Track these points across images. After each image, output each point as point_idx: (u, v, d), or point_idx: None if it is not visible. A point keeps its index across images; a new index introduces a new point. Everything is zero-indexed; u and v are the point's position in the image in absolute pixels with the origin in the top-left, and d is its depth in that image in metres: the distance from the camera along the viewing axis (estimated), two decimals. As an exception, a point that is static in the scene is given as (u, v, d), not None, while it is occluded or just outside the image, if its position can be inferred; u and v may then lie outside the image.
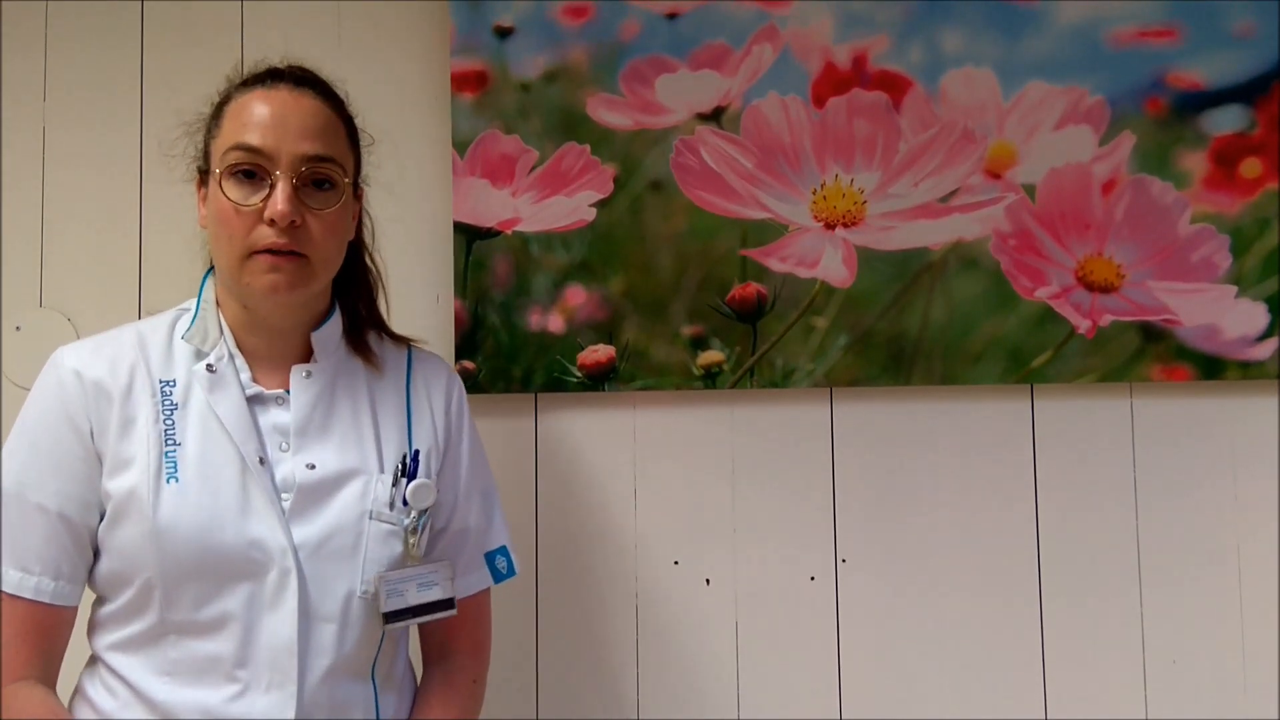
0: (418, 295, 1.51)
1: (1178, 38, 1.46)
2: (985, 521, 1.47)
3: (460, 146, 1.48)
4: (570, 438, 1.49)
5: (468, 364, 1.47)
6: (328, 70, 1.12)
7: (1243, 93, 1.45)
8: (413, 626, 1.19)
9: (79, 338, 1.52)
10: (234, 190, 1.08)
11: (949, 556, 1.47)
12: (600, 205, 1.48)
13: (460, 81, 1.49)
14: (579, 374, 1.47)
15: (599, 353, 1.47)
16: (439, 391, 1.22)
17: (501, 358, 1.48)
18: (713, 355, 1.47)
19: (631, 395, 1.49)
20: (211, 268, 1.17)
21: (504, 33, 1.49)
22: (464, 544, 1.21)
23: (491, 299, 1.48)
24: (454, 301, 1.48)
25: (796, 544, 1.47)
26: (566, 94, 1.49)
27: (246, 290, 1.10)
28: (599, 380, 1.47)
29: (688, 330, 1.47)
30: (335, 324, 1.18)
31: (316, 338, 1.15)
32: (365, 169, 1.20)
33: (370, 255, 1.24)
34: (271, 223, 1.07)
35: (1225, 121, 1.45)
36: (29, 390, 1.52)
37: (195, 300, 1.16)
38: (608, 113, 1.48)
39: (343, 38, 1.55)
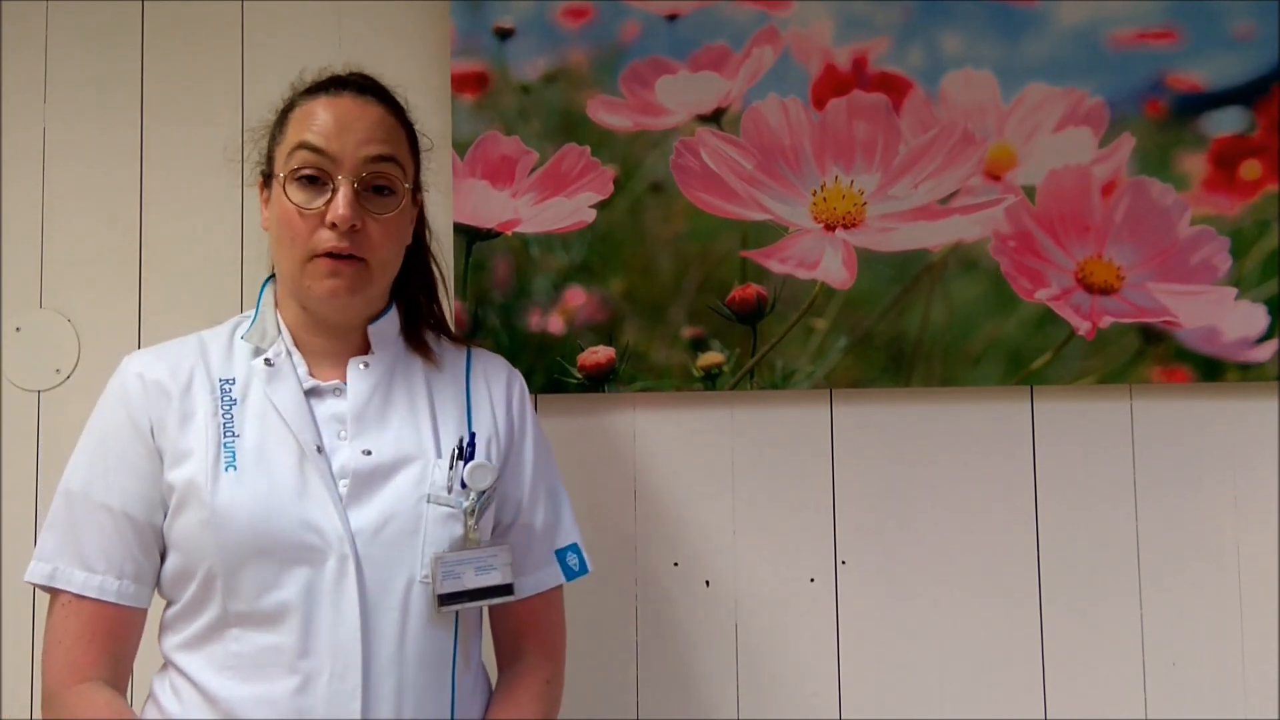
0: (418, 296, 1.52)
1: (1177, 39, 1.46)
2: (985, 524, 1.47)
3: (460, 148, 1.48)
4: (570, 439, 1.49)
5: (468, 365, 1.47)
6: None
7: (1242, 94, 1.45)
8: (486, 630, 1.19)
9: (79, 338, 1.54)
10: (297, 194, 1.11)
11: (949, 558, 1.47)
12: (600, 207, 1.47)
13: (460, 83, 1.49)
14: (579, 375, 1.47)
15: (599, 354, 1.47)
16: (499, 386, 1.22)
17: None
18: (713, 357, 1.47)
19: (631, 397, 1.49)
20: (271, 275, 1.19)
21: (504, 34, 1.49)
22: (532, 541, 1.20)
23: (491, 300, 1.48)
24: (454, 302, 1.48)
25: (796, 546, 1.47)
26: (567, 95, 1.49)
27: (307, 293, 1.12)
28: (599, 382, 1.47)
29: (688, 332, 1.47)
30: (392, 319, 1.19)
31: (373, 330, 1.17)
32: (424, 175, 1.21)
33: (433, 257, 1.25)
34: (333, 226, 1.09)
35: (1225, 123, 1.45)
36: (29, 390, 1.51)
37: (255, 307, 1.18)
38: (608, 114, 1.48)
39: (343, 38, 1.55)
